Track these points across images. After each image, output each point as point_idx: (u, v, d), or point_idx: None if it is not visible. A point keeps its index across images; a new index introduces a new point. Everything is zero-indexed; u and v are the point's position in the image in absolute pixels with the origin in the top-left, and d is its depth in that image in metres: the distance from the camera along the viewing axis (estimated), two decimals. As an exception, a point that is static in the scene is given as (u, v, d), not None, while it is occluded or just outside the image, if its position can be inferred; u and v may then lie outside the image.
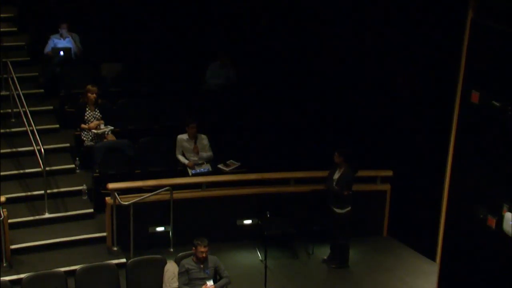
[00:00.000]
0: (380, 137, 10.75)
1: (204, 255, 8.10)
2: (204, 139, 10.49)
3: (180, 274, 8.14)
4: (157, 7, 13.43)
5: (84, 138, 10.54)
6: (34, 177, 10.15)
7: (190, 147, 10.39)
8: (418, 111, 10.10)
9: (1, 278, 8.09)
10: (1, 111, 11.19)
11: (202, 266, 8.15)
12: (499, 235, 7.34)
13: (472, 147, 7.85)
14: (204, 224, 9.82)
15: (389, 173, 10.38)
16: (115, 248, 9.46)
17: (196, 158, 10.37)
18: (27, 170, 10.31)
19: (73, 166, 10.61)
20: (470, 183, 7.88)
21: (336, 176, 9.38)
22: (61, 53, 11.81)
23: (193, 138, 10.39)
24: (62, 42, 11.94)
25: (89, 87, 10.54)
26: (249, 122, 11.52)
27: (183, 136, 10.40)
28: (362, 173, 9.80)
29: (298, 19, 12.57)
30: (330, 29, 11.78)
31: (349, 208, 9.41)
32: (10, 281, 8.16)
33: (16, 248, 9.12)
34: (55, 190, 10.06)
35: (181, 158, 10.38)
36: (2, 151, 10.45)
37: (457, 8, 8.81)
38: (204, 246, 8.07)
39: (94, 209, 9.93)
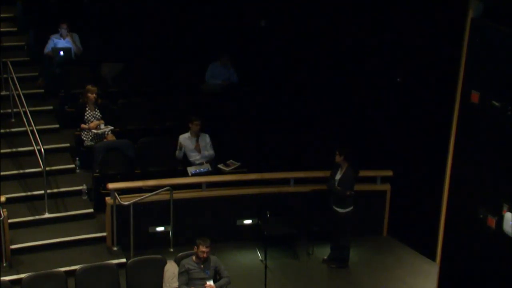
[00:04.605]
0: (380, 137, 10.75)
1: (205, 255, 8.09)
2: (206, 137, 10.49)
3: (180, 274, 8.14)
4: (157, 7, 13.42)
5: (84, 138, 10.54)
6: (34, 177, 10.14)
7: (192, 146, 10.37)
8: (418, 110, 10.10)
9: (1, 278, 8.08)
10: (1, 111, 11.19)
11: (202, 266, 8.15)
12: (499, 235, 7.34)
13: (472, 147, 7.84)
14: (204, 224, 9.83)
15: (389, 173, 10.37)
16: (115, 248, 9.46)
17: (198, 157, 10.37)
18: (27, 170, 10.30)
19: (73, 166, 10.60)
20: (470, 183, 7.87)
21: (338, 176, 9.37)
22: (61, 53, 11.81)
23: (196, 135, 10.38)
24: (62, 42, 11.94)
25: (89, 87, 10.55)
26: (249, 122, 11.52)
27: (185, 135, 10.39)
28: (362, 173, 9.78)
29: (298, 19, 12.56)
30: (330, 30, 11.77)
31: (351, 208, 9.41)
32: (10, 281, 8.16)
33: (16, 248, 9.12)
34: (55, 190, 10.06)
35: (178, 153, 10.36)
36: (2, 151, 10.45)
37: (457, 8, 8.81)
38: (206, 247, 8.07)
39: (94, 209, 9.92)
